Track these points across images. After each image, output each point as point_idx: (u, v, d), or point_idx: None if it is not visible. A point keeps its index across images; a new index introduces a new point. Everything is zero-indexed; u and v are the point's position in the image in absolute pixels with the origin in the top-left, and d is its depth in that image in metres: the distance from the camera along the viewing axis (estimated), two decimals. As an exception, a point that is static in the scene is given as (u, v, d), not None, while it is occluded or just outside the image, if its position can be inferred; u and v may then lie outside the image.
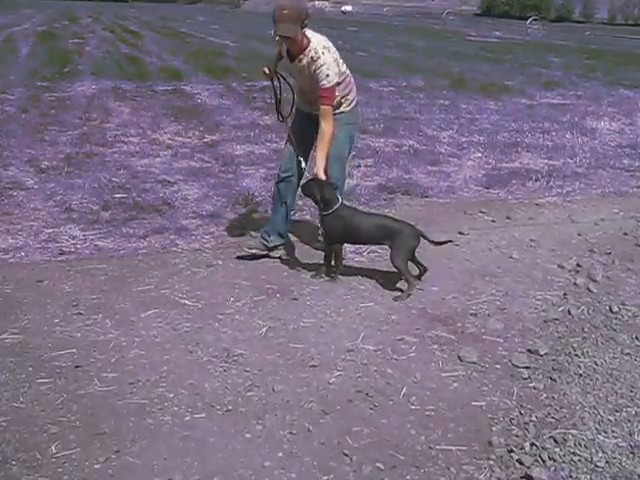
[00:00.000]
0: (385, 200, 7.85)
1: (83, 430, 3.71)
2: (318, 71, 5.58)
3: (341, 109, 5.90)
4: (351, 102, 5.99)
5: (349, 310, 5.18)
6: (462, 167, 9.46)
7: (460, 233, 6.83)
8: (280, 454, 3.57)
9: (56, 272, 5.72)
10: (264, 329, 4.84)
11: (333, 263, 5.76)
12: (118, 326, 4.83)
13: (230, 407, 3.94)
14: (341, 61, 5.78)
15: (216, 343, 4.63)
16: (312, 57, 5.61)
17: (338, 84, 5.68)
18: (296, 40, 5.55)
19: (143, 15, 52.15)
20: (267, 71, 5.96)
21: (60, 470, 3.41)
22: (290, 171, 6.08)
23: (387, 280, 5.68)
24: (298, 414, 3.90)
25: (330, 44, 5.71)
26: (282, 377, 4.26)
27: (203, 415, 3.87)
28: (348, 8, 74.50)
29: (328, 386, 4.18)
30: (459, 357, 4.54)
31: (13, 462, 3.45)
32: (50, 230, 6.60)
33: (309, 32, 5.66)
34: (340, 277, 5.70)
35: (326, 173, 5.71)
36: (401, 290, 5.48)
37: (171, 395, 4.04)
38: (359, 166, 9.25)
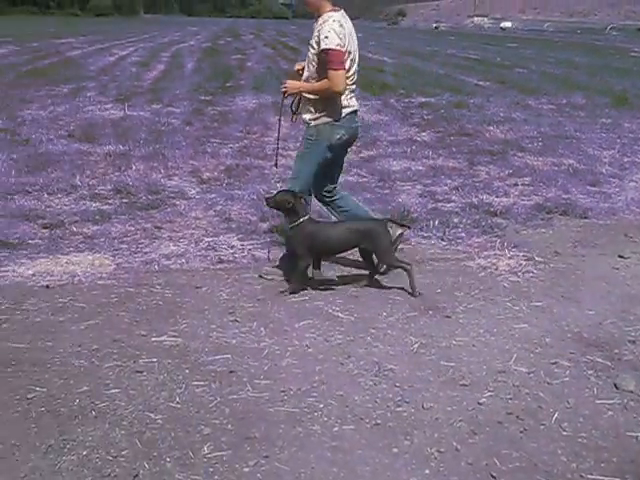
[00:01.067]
0: (542, 220, 7.70)
1: (235, 433, 3.80)
2: (320, 33, 5.52)
3: (319, 115, 5.79)
4: (324, 112, 5.78)
5: (502, 330, 5.09)
6: (624, 188, 9.16)
7: (620, 257, 6.61)
8: (427, 471, 3.54)
9: (214, 279, 5.90)
10: (416, 345, 4.82)
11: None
12: (272, 335, 4.93)
13: (379, 421, 3.95)
14: (352, 51, 5.67)
15: (367, 356, 4.65)
16: (323, 20, 5.57)
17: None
18: (309, 2, 5.70)
19: (303, 32, 53.09)
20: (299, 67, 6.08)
21: (211, 470, 3.51)
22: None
23: (543, 302, 5.57)
24: (447, 432, 3.87)
25: (345, 25, 5.62)
26: (432, 394, 4.23)
27: (352, 427, 3.89)
28: (507, 24, 73.62)
29: (478, 406, 4.13)
30: (615, 385, 4.39)
31: (167, 459, 3.58)
32: (210, 239, 6.82)
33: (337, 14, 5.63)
34: (486, 297, 5.65)
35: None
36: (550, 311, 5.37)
37: (321, 405, 4.08)
38: (516, 184, 9.13)
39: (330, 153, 5.88)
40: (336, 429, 3.87)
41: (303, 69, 5.95)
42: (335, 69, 5.52)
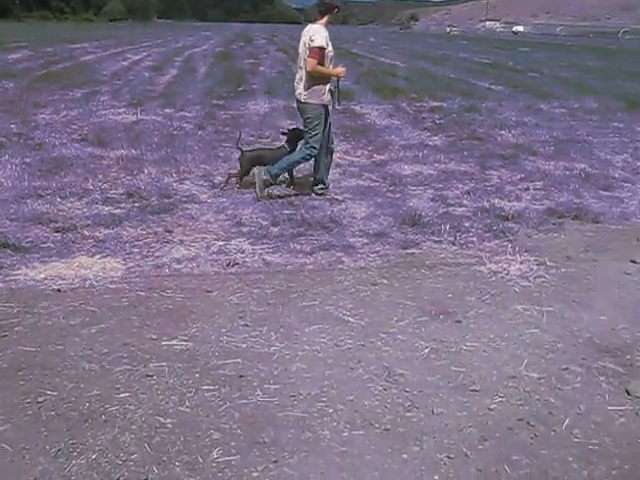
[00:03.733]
0: (554, 224, 7.67)
1: (244, 438, 3.80)
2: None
3: None
4: None
5: (513, 336, 5.07)
6: (637, 192, 9.11)
7: (632, 261, 6.57)
8: (436, 477, 3.53)
9: (225, 283, 5.89)
10: (426, 350, 4.80)
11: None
12: (282, 339, 4.91)
13: (388, 426, 3.94)
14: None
15: (377, 361, 4.63)
16: None
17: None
18: None
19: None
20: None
21: (220, 475, 3.50)
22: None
23: (555, 307, 5.55)
24: (456, 438, 3.85)
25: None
26: (442, 400, 4.22)
27: (361, 432, 3.88)
28: (519, 28, 73.59)
29: (488, 412, 4.11)
30: (627, 391, 4.36)
31: (177, 463, 3.57)
32: (221, 243, 6.81)
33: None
34: (495, 300, 5.63)
35: None
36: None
37: (330, 410, 4.07)
38: (528, 189, 9.10)
39: None
40: (345, 434, 3.86)
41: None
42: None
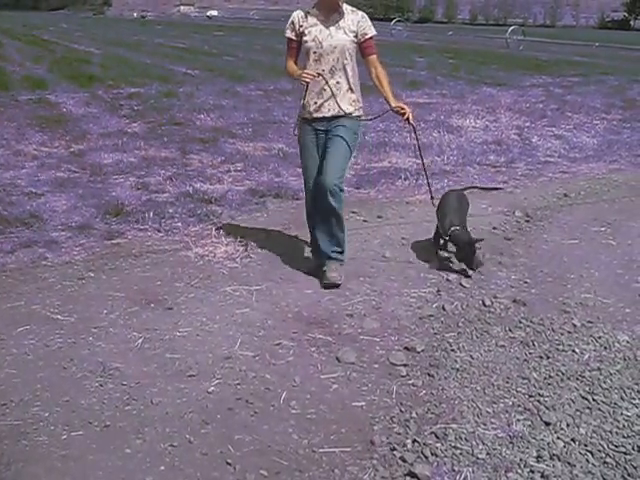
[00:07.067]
0: (257, 204, 7.84)
1: (-47, 458, 3.56)
2: (363, 22, 5.83)
3: (359, 105, 6.03)
4: None
5: (224, 317, 5.13)
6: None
7: (334, 234, 6.87)
8: (162, 468, 3.50)
9: None
10: (139, 341, 4.74)
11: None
12: (-13, 346, 4.64)
13: (108, 422, 3.85)
14: None
15: (91, 357, 4.51)
16: (352, 10, 5.88)
17: None
18: None
19: (3, 23, 50.77)
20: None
21: None
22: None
23: (263, 285, 5.68)
24: (178, 426, 3.84)
25: None
26: (160, 389, 4.18)
27: (80, 433, 3.76)
28: (214, 13, 74.47)
29: (207, 395, 4.13)
30: (337, 358, 4.56)
31: None
32: None
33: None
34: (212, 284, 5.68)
35: None
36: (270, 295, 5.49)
37: (46, 414, 3.91)
38: (229, 171, 9.24)
39: None
40: (64, 437, 3.73)
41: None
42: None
